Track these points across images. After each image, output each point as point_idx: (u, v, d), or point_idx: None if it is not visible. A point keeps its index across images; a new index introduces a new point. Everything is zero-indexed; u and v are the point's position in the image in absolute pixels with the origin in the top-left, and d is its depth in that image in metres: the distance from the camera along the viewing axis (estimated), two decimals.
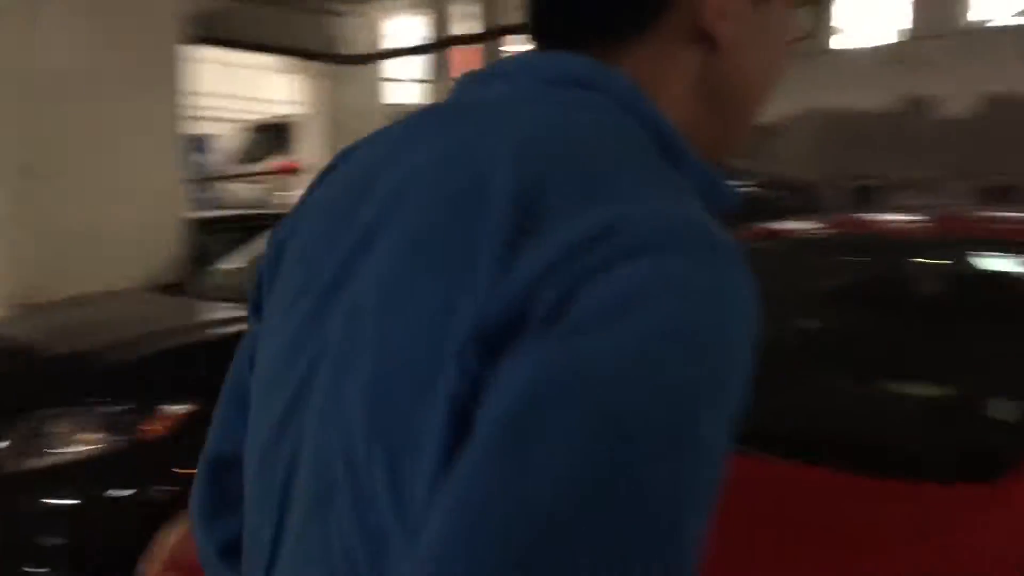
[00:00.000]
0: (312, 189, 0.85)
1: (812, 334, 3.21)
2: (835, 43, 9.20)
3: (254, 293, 0.88)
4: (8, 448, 3.00)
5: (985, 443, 2.09)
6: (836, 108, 7.27)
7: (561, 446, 0.54)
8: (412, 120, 0.79)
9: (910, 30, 8.81)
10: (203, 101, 8.48)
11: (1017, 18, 8.56)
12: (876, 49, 8.28)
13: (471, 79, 0.80)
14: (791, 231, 3.67)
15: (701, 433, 0.56)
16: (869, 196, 7.14)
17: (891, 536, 1.77)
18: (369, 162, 0.79)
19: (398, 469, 0.62)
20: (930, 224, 3.56)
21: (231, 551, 0.88)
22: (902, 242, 3.34)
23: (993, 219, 3.55)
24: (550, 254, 0.59)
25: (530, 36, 0.80)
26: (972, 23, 8.54)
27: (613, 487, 0.53)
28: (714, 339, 0.58)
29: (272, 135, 13.02)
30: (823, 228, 3.74)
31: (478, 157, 0.67)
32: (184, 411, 3.05)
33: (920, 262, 3.27)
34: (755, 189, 5.35)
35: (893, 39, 8.89)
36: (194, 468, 0.96)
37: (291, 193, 10.30)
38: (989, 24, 8.48)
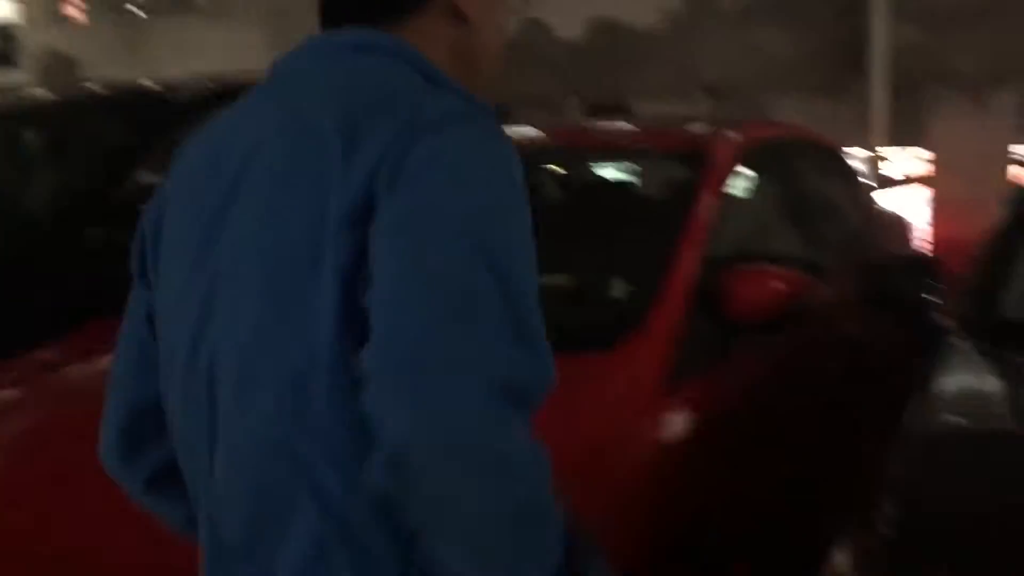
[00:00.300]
0: (168, 178, 1.12)
1: None
2: None
3: (137, 264, 1.13)
4: None
5: (602, 319, 2.42)
6: None
7: (428, 249, 0.92)
8: (249, 99, 1.11)
9: None
10: None
11: None
12: None
13: (290, 56, 1.12)
14: None
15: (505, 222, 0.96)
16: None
17: None
18: (219, 136, 1.09)
19: (300, 327, 0.95)
20: (549, 136, 3.90)
21: (156, 480, 1.13)
22: (526, 152, 3.64)
23: (600, 132, 3.97)
24: (378, 148, 0.95)
25: (323, 19, 1.12)
26: None
27: (469, 257, 0.92)
28: (493, 176, 0.97)
29: None
30: None
31: (308, 111, 1.02)
32: None
33: (544, 168, 3.57)
34: None
35: None
36: None
37: None
38: None
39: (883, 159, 6.09)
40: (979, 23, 5.62)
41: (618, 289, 2.63)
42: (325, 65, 1.07)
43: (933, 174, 5.97)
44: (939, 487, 1.58)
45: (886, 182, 6.05)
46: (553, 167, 3.56)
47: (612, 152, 3.62)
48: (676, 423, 2.20)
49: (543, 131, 4.16)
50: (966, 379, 1.96)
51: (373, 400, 0.88)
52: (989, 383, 1.92)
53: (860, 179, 4.67)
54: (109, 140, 4.08)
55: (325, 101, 1.01)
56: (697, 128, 3.65)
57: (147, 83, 4.71)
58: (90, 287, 3.31)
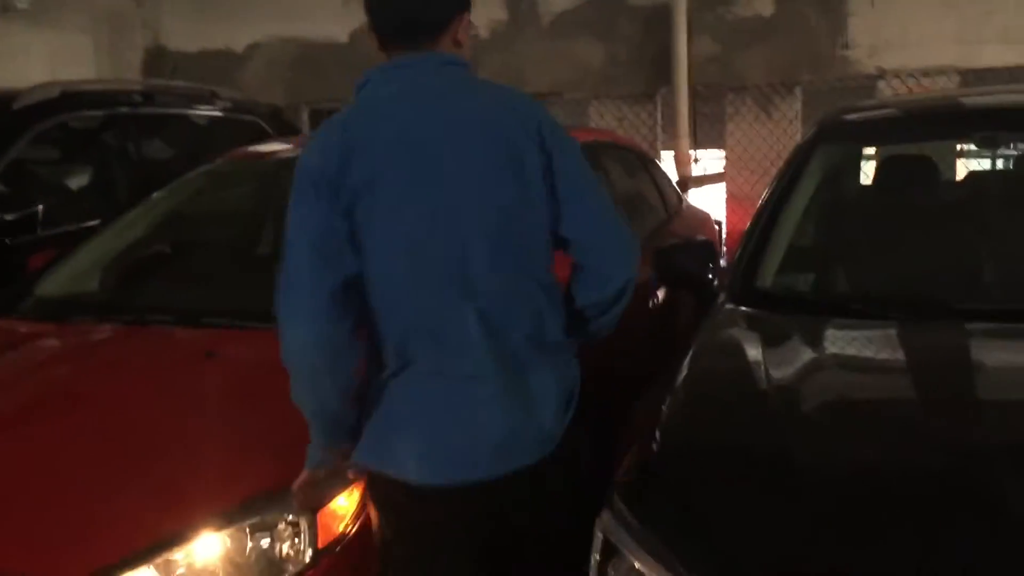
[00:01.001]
0: (359, 141, 1.76)
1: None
2: None
3: (315, 193, 1.73)
4: None
5: None
6: (292, 36, 7.75)
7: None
8: (385, 104, 1.80)
9: None
10: None
11: None
12: None
13: (404, 72, 1.83)
14: (270, 152, 4.11)
15: None
16: (324, 118, 7.78)
17: None
18: (398, 123, 1.78)
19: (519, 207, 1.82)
20: None
21: (352, 325, 1.77)
22: None
23: None
24: (533, 125, 1.82)
25: (384, 44, 1.86)
26: None
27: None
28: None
29: None
30: (295, 149, 4.21)
31: (472, 102, 1.83)
32: None
33: None
34: (225, 114, 5.54)
35: None
36: None
37: None
38: None
39: (693, 160, 6.71)
40: (768, 36, 6.30)
41: None
42: (444, 75, 1.83)
43: (726, 172, 6.68)
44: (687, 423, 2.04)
45: (694, 181, 6.70)
46: None
47: None
48: None
49: None
50: (724, 334, 2.46)
51: (603, 258, 1.89)
52: (741, 336, 2.41)
53: (664, 177, 5.25)
54: None
55: (475, 95, 1.85)
56: None
57: None
58: None
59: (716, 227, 5.55)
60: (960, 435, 1.83)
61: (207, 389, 2.33)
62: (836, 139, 3.16)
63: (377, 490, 1.87)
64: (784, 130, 6.43)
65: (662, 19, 6.48)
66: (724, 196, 6.77)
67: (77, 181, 4.94)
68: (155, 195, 3.71)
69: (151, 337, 2.72)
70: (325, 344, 1.72)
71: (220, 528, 1.94)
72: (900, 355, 2.32)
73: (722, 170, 6.83)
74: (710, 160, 7.14)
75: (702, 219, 5.42)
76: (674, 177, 5.93)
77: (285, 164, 3.85)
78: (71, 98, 4.62)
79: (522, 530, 1.88)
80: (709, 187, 6.95)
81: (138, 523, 1.92)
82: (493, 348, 1.76)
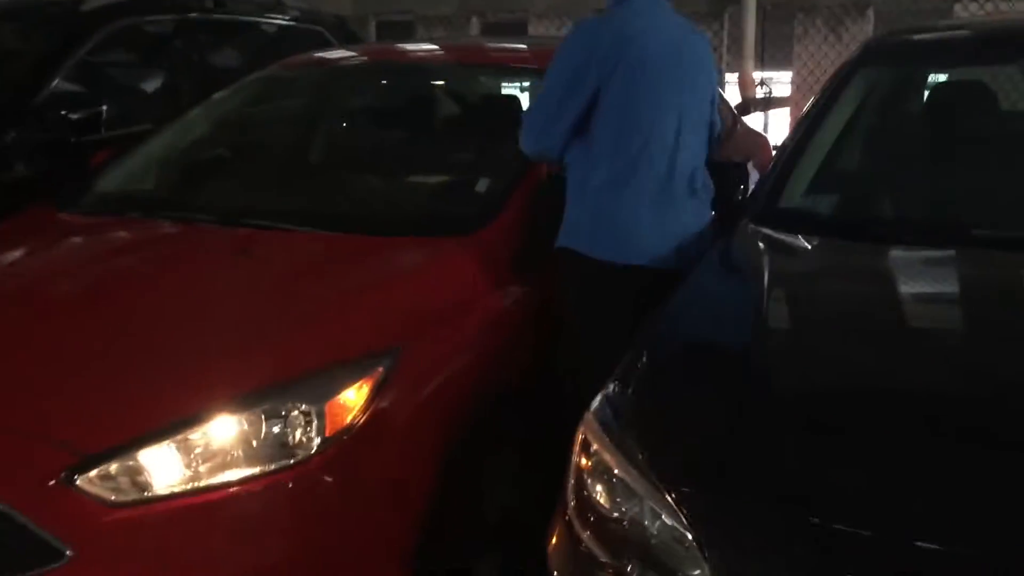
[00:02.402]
0: (633, 31, 2.67)
1: (351, 142, 3.84)
2: None
3: (587, 73, 2.64)
4: None
5: (469, 209, 2.89)
6: None
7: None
8: (650, 10, 2.75)
9: None
10: None
11: None
12: None
13: (640, 3, 2.74)
14: (334, 59, 4.20)
15: None
16: (391, 30, 7.83)
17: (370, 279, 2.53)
18: (657, 30, 2.72)
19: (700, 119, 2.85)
20: (447, 53, 4.28)
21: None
22: (424, 67, 4.03)
23: (495, 50, 4.36)
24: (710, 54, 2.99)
25: None
26: None
27: None
28: None
29: None
30: (359, 56, 4.29)
31: (684, 28, 2.86)
32: None
33: (440, 84, 3.97)
34: (293, 23, 5.62)
35: None
36: None
37: None
38: None
39: (758, 83, 6.58)
40: None
41: (481, 186, 3.09)
42: (668, 10, 2.81)
43: (792, 95, 6.55)
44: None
45: (757, 103, 6.58)
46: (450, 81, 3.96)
47: (492, 68, 4.03)
48: (515, 294, 2.70)
49: (437, 47, 4.54)
50: (734, 253, 2.49)
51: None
52: (750, 255, 2.44)
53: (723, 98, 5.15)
54: (27, 49, 4.33)
55: (682, 27, 2.83)
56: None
57: None
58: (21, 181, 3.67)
59: (773, 151, 5.45)
60: (956, 364, 1.84)
61: (236, 284, 2.47)
62: (879, 62, 3.10)
63: (573, 266, 2.70)
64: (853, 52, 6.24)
65: None
66: (789, 120, 6.65)
67: (148, 85, 5.08)
68: (210, 98, 3.84)
69: (193, 234, 2.86)
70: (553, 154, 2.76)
71: (236, 412, 2.08)
72: (910, 280, 2.32)
73: (788, 94, 6.69)
74: (776, 84, 7.00)
75: (757, 143, 5.33)
76: (735, 100, 5.84)
77: (336, 73, 4.03)
78: (141, 1, 4.75)
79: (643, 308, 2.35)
80: (774, 110, 6.83)
81: (160, 402, 2.06)
82: (678, 178, 2.72)
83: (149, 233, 2.94)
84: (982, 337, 1.99)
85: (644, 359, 1.97)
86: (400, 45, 4.82)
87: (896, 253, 2.38)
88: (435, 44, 5.05)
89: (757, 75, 6.55)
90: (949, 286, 2.30)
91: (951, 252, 2.35)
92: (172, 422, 2.04)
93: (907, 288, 2.26)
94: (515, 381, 2.58)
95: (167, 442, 2.04)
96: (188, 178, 3.44)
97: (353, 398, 2.18)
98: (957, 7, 5.98)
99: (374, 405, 2.18)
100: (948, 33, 3.33)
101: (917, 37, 3.22)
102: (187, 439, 2.05)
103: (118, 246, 2.88)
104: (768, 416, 1.71)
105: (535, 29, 7.62)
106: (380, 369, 2.23)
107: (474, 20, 7.97)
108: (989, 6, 5.89)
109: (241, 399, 2.09)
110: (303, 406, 2.12)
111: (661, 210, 2.68)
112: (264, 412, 2.10)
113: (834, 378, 1.81)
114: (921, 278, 2.36)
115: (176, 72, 4.94)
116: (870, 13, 6.28)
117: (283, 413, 2.11)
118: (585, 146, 2.69)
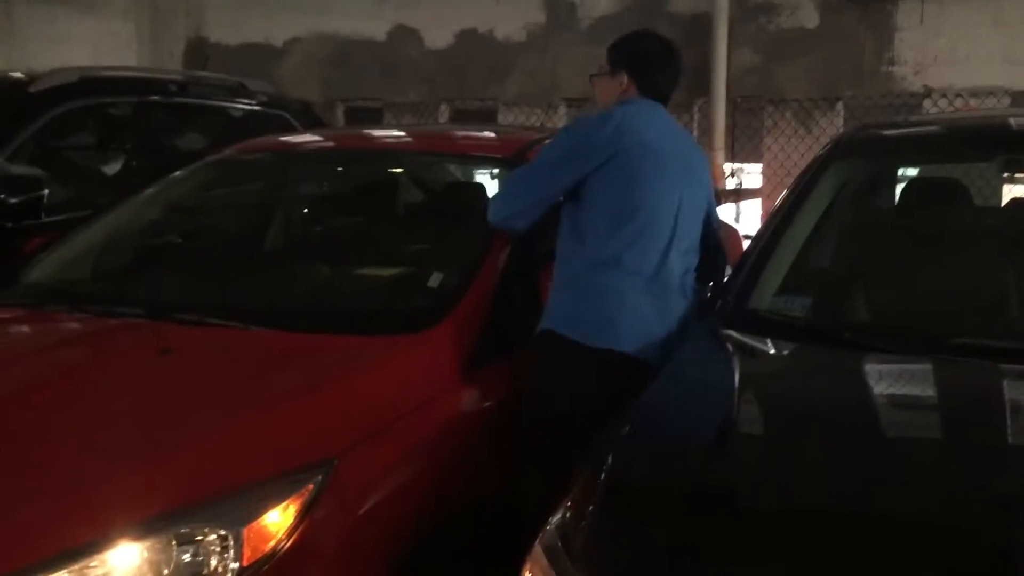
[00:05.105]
0: (634, 124, 2.78)
1: (301, 231, 3.66)
2: None
3: (587, 158, 2.70)
4: None
5: (419, 305, 2.70)
6: (331, 33, 7.72)
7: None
8: (657, 115, 2.88)
9: None
10: None
11: None
12: None
13: (642, 104, 2.87)
14: (290, 143, 4.06)
15: None
16: (359, 116, 7.79)
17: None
18: (663, 127, 2.86)
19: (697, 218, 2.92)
20: (405, 139, 4.15)
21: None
22: (388, 153, 3.89)
23: (461, 137, 4.24)
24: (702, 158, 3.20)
25: (644, 91, 2.89)
26: None
27: None
28: None
29: None
30: (316, 141, 4.15)
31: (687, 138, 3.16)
32: None
33: (397, 171, 3.82)
34: (258, 107, 5.51)
35: None
36: None
37: None
38: None
39: (728, 175, 6.53)
40: (811, 48, 6.11)
41: (434, 280, 2.91)
42: (666, 117, 2.93)
43: (762, 186, 6.49)
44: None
45: (728, 195, 6.51)
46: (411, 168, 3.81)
47: (453, 156, 3.89)
48: (468, 399, 2.50)
49: (397, 132, 4.41)
50: (701, 361, 2.31)
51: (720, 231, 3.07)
52: (718, 364, 2.26)
53: None
54: None
55: (680, 132, 3.06)
56: (525, 135, 3.94)
57: (13, 74, 4.75)
58: None
59: (744, 243, 5.36)
60: (930, 479, 1.68)
61: (152, 389, 2.24)
62: (851, 156, 2.98)
63: (553, 349, 2.62)
64: (824, 146, 6.21)
65: (702, 27, 6.33)
66: (760, 212, 6.58)
67: (107, 168, 4.91)
68: (158, 182, 3.66)
69: (117, 331, 2.63)
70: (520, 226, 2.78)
71: (140, 538, 1.84)
72: (888, 393, 2.15)
73: (759, 185, 6.64)
74: (747, 175, 6.95)
75: (727, 234, 5.22)
76: None
77: (290, 158, 3.86)
78: (92, 83, 4.60)
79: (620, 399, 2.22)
80: (744, 202, 6.76)
81: (54, 527, 1.82)
82: (667, 273, 2.74)
83: (67, 330, 2.71)
84: (966, 458, 1.82)
85: (601, 478, 1.77)
86: (358, 130, 4.70)
87: (874, 362, 2.21)
88: (395, 130, 4.93)
89: (728, 166, 6.49)
90: (926, 398, 2.13)
91: (926, 362, 2.19)
92: (67, 550, 1.80)
93: (883, 401, 2.09)
94: (466, 494, 2.36)
95: (61, 573, 1.79)
96: (125, 267, 3.23)
97: (277, 520, 1.95)
98: (926, 102, 5.98)
99: (302, 527, 1.95)
100: (920, 128, 3.23)
101: (888, 132, 3.12)
102: (84, 570, 1.81)
103: (29, 345, 2.64)
104: (728, 551, 1.51)
105: (504, 118, 7.58)
106: (310, 486, 2.01)
107: (443, 107, 7.92)
108: (959, 101, 5.89)
109: (147, 523, 1.85)
110: (219, 530, 1.89)
111: (649, 300, 2.68)
112: (174, 538, 1.86)
113: (804, 505, 1.62)
114: (896, 388, 2.20)
115: (136, 155, 4.80)
116: (839, 107, 6.27)
117: (196, 538, 1.88)
118: (575, 231, 2.69)
